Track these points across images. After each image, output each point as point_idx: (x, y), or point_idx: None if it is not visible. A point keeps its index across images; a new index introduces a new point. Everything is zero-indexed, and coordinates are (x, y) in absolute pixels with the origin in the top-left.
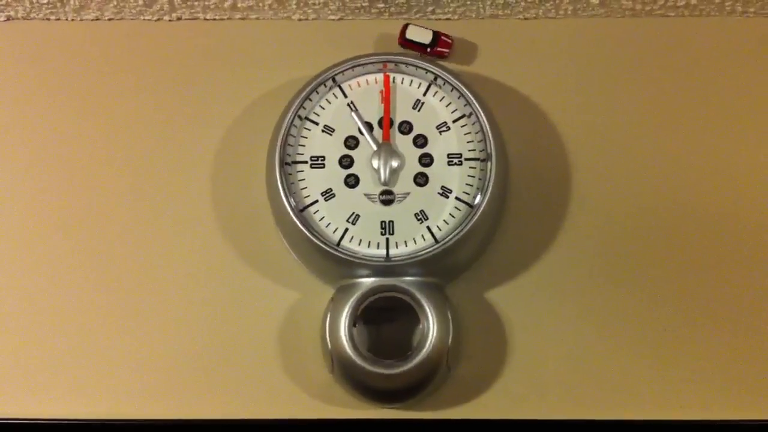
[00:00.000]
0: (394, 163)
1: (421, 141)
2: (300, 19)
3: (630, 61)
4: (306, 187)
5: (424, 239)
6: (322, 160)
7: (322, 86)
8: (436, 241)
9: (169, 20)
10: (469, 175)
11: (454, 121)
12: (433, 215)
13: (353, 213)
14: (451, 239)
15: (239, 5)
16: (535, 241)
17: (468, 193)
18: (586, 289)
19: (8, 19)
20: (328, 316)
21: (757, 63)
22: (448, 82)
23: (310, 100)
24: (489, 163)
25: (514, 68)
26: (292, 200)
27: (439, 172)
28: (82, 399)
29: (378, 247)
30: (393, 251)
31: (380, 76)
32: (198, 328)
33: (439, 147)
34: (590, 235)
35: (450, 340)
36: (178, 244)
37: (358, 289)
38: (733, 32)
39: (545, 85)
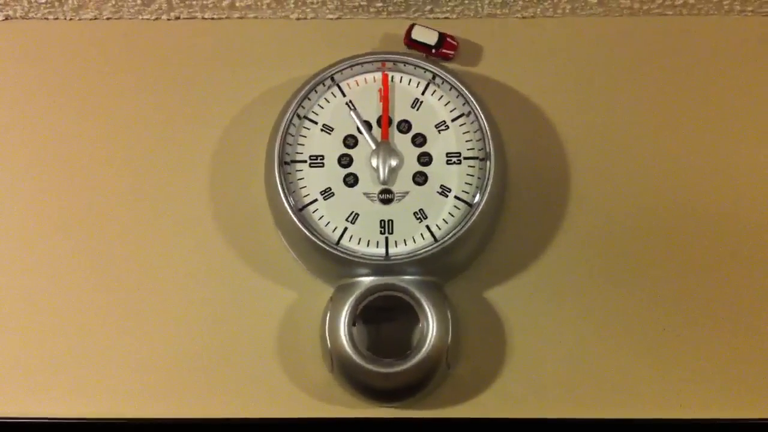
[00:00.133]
0: (393, 162)
1: (419, 140)
2: (298, 18)
3: (628, 59)
4: (305, 186)
5: (424, 238)
6: (321, 159)
7: (321, 85)
8: (436, 240)
9: (168, 19)
10: (468, 174)
11: (452, 120)
12: (432, 214)
13: (352, 212)
14: (450, 238)
15: (237, 4)
16: (534, 240)
17: (467, 192)
18: (585, 288)
19: (6, 19)
20: (328, 315)
21: (755, 61)
22: (446, 81)
23: (309, 99)
24: (488, 162)
25: (513, 67)
26: (291, 199)
27: (438, 171)
28: (81, 398)
29: (377, 246)
30: (392, 250)
31: (379, 75)
32: (197, 327)
33: (437, 146)
34: (589, 234)
35: (449, 339)
36: (177, 244)
37: (357, 288)
38: (732, 31)
39: (544, 84)
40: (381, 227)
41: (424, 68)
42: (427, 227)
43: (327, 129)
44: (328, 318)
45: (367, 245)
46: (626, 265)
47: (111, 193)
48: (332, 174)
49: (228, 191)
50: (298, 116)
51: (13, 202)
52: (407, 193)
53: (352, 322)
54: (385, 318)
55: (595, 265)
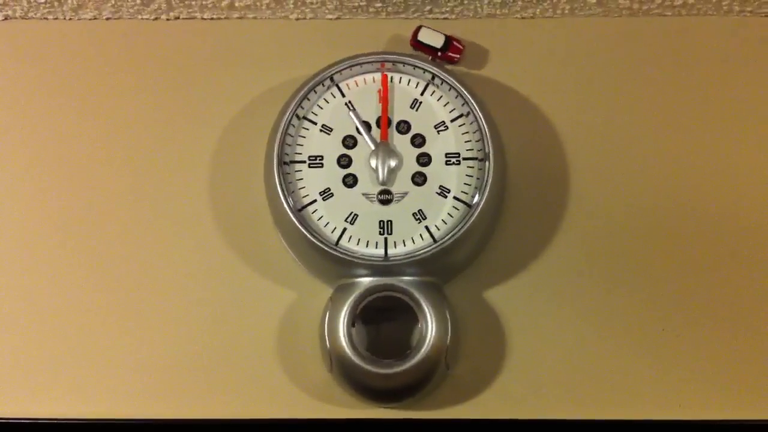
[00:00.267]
0: (392, 163)
1: (419, 140)
2: (298, 19)
3: (627, 60)
4: (304, 187)
5: (423, 239)
6: (320, 160)
7: (320, 86)
8: (435, 241)
9: (167, 19)
10: (467, 175)
11: (452, 121)
12: (431, 215)
13: (351, 213)
14: (449, 239)
15: (237, 4)
16: (534, 240)
17: (466, 193)
18: (585, 288)
19: (6, 18)
20: (327, 315)
21: (754, 62)
22: (445, 82)
23: (308, 99)
24: (487, 163)
25: (512, 68)
26: (290, 200)
27: (437, 172)
28: (81, 399)
29: (376, 247)
30: (391, 251)
31: (378, 76)
32: (197, 327)
33: (437, 146)
34: (588, 235)
35: (448, 340)
36: (177, 244)
37: (356, 289)
38: (731, 31)
39: (543, 84)
40: (380, 228)
41: (423, 69)
42: (426, 228)
43: (326, 129)
44: (327, 318)
45: (366, 246)
46: (625, 266)
47: (110, 194)
48: (331, 174)
49: (227, 192)
50: (298, 117)
51: (13, 202)
52: (406, 193)
53: (352, 322)
54: (384, 318)
55: (594, 265)
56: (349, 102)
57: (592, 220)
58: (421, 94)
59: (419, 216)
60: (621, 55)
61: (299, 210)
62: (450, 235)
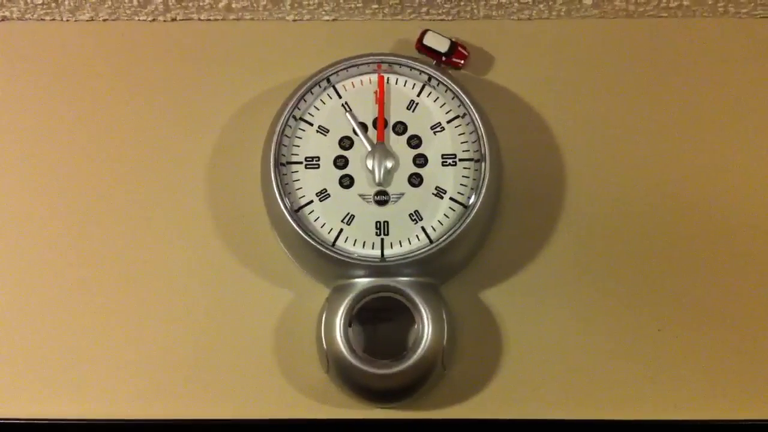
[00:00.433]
0: (389, 164)
1: (415, 141)
2: (294, 20)
3: (623, 62)
4: (301, 188)
5: (419, 239)
6: (316, 161)
7: (317, 87)
8: (431, 242)
9: (164, 21)
10: (463, 176)
11: (448, 122)
12: (427, 216)
13: (348, 213)
14: (445, 240)
15: (234, 6)
16: (530, 241)
17: (462, 194)
18: (581, 289)
19: (3, 20)
20: (324, 316)
21: (749, 64)
22: (442, 83)
23: (305, 100)
24: (483, 164)
25: (508, 69)
26: (287, 201)
27: (433, 173)
28: (77, 400)
29: (373, 248)
30: (388, 251)
31: (374, 77)
32: (194, 328)
33: (433, 147)
34: (584, 235)
35: (445, 340)
36: (174, 245)
37: (353, 290)
38: (726, 33)
39: (539, 85)
40: (376, 229)
41: (419, 70)
42: (423, 229)
43: (323, 130)
44: (324, 319)
45: (363, 246)
46: (622, 266)
47: (107, 195)
48: (328, 175)
49: (224, 193)
50: (294, 118)
51: (11, 203)
52: (402, 194)
53: (348, 323)
54: (381, 319)
55: (590, 265)
56: (346, 103)
57: (589, 221)
58: (418, 95)
59: (415, 217)
60: (617, 57)
61: (296, 211)
62: (446, 236)
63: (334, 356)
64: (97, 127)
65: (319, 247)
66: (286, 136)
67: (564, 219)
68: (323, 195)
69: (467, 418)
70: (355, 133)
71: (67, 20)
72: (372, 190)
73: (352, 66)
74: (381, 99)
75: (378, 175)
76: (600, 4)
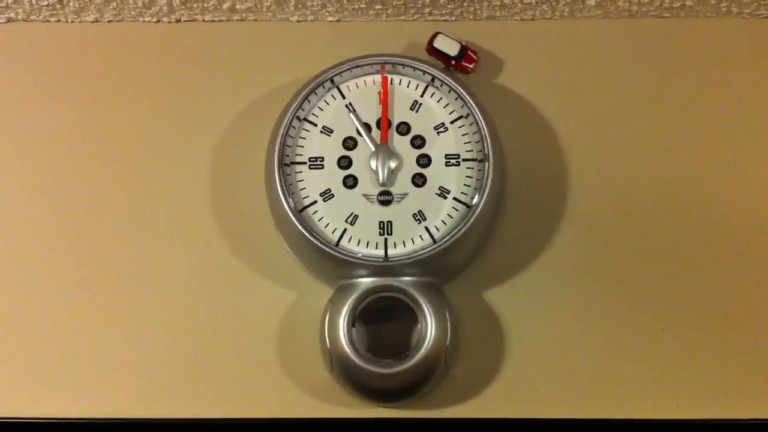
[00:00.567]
0: (392, 164)
1: (419, 142)
2: (298, 21)
3: (627, 62)
4: (305, 188)
5: (423, 239)
6: (320, 161)
7: (321, 87)
8: (434, 242)
9: (168, 22)
10: (466, 176)
11: (451, 122)
12: (431, 216)
13: (352, 213)
14: (449, 239)
15: (238, 7)
16: (533, 241)
17: (466, 194)
18: (584, 288)
19: (8, 21)
20: (327, 315)
21: (752, 64)
22: (445, 84)
23: (309, 101)
24: (486, 164)
25: (512, 69)
26: (291, 201)
27: (437, 173)
28: (81, 398)
29: (376, 248)
30: (391, 251)
31: (378, 78)
32: (198, 328)
33: (436, 148)
34: (587, 235)
35: (448, 340)
36: (178, 245)
37: (356, 289)
38: (729, 33)
39: (542, 86)
40: (380, 228)
41: (423, 71)
42: (426, 228)
43: (326, 131)
44: (327, 319)
45: (367, 246)
46: (625, 266)
47: (111, 195)
48: (332, 176)
49: (228, 193)
50: (298, 118)
51: (14, 203)
52: (406, 194)
53: (352, 322)
54: (384, 319)
55: (593, 265)
56: (350, 104)
57: (592, 221)
58: (421, 95)
59: (419, 217)
60: (620, 57)
61: (300, 211)
62: (450, 235)
63: (337, 356)
64: (101, 127)
65: (322, 247)
66: (290, 136)
67: (567, 219)
68: (327, 195)
69: (470, 417)
70: (358, 133)
71: (72, 21)
72: (376, 190)
73: (356, 67)
74: (385, 99)
75: (382, 175)
76: (603, 4)
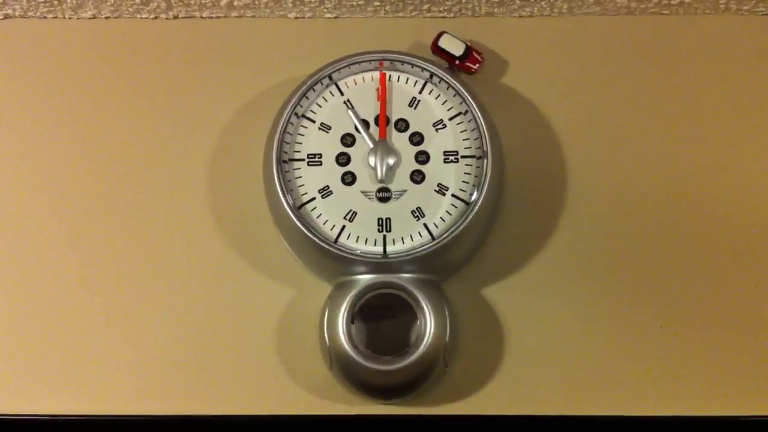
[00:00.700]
0: (391, 161)
1: (417, 138)
2: (296, 17)
3: (625, 59)
4: (303, 185)
5: (421, 236)
6: (319, 158)
7: (319, 84)
8: (433, 238)
9: (166, 18)
10: (465, 173)
11: (450, 119)
12: (429, 212)
13: (350, 210)
14: (447, 236)
15: (236, 3)
16: (532, 238)
17: (464, 191)
18: (583, 285)
19: (6, 18)
20: (326, 312)
21: (751, 61)
22: (443, 80)
23: (307, 98)
24: (485, 161)
25: (510, 66)
26: (289, 198)
27: (435, 170)
28: (82, 396)
29: (375, 244)
30: (390, 248)
31: (376, 74)
32: (196, 325)
33: (435, 144)
34: (586, 232)
35: (447, 337)
36: (176, 242)
37: (355, 286)
38: (728, 30)
39: (541, 83)
40: (379, 225)
41: (421, 67)
42: (425, 225)
43: (325, 128)
44: (326, 315)
45: (365, 243)
46: (623, 263)
47: (109, 192)
48: (330, 172)
49: (227, 190)
50: (296, 115)
51: (13, 201)
52: (405, 191)
53: (351, 319)
54: (383, 315)
55: (592, 262)
56: (348, 100)
57: (590, 218)
58: (420, 92)
59: (418, 213)
60: (619, 54)
61: (298, 208)
62: (448, 232)
63: (336, 353)
64: (98, 125)
65: (321, 243)
66: (289, 133)
67: (566, 216)
68: (325, 192)
69: (469, 414)
70: (357, 130)
71: (70, 18)
72: (374, 187)
73: (354, 63)
74: (383, 96)
75: (380, 172)
76: (601, 1)
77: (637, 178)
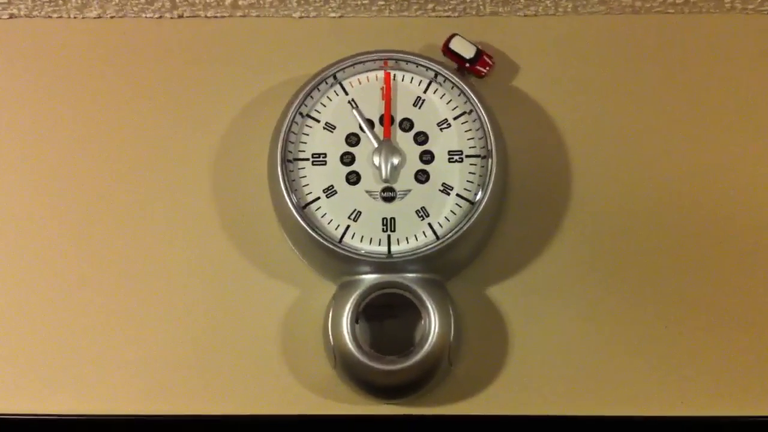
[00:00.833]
0: (395, 161)
1: (421, 138)
2: (301, 17)
3: (630, 58)
4: (308, 184)
5: (426, 236)
6: (323, 158)
7: (324, 83)
8: (438, 238)
9: (171, 18)
10: (469, 172)
11: (454, 119)
12: (434, 212)
13: (355, 210)
14: (452, 236)
15: (240, 3)
16: (536, 237)
17: (469, 190)
18: (587, 285)
19: (11, 17)
20: (331, 312)
21: (757, 60)
22: (448, 80)
23: (312, 97)
24: (489, 160)
25: (515, 66)
26: (293, 197)
27: (440, 169)
28: (84, 395)
29: (379, 244)
30: (394, 248)
31: (381, 74)
32: (201, 324)
33: (439, 144)
34: (591, 232)
35: (451, 337)
36: (180, 242)
37: (359, 286)
38: (733, 29)
39: (545, 82)
40: (383, 225)
41: (426, 66)
42: (429, 225)
43: (329, 127)
44: (330, 315)
45: (370, 243)
46: (628, 263)
47: (113, 191)
48: (335, 172)
49: (231, 189)
50: (301, 114)
51: (16, 201)
52: (409, 191)
53: (355, 319)
54: (387, 315)
55: (596, 262)
56: (352, 100)
57: (595, 218)
58: (424, 91)
59: (422, 213)
60: (624, 53)
61: (303, 207)
62: (453, 232)
63: (340, 352)
64: (102, 124)
65: (325, 243)
66: (293, 132)
67: (570, 216)
68: (330, 191)
69: (473, 414)
70: (361, 129)
71: (75, 17)
72: (379, 187)
73: (359, 63)
74: (387, 96)
75: (385, 171)
76: (606, 0)
77: (642, 177)
